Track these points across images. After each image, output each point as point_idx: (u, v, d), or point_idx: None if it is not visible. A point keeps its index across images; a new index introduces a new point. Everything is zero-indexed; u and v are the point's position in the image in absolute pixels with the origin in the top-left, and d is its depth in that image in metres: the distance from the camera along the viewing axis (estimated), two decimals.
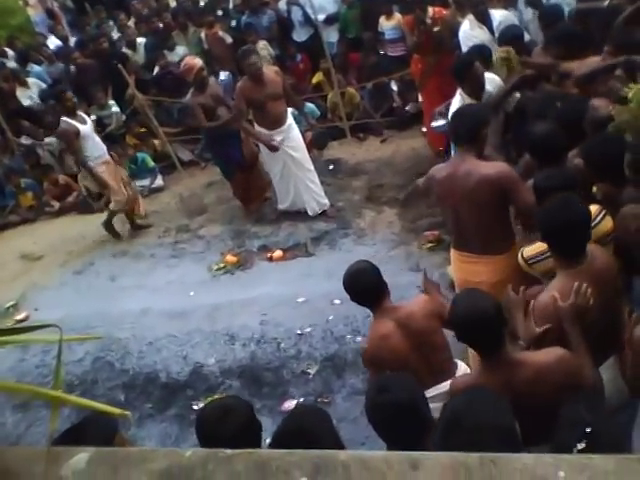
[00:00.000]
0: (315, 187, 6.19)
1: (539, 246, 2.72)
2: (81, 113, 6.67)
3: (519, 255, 2.85)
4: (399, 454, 0.94)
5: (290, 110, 6.09)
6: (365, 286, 2.77)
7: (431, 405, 2.58)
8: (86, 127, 6.42)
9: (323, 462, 0.97)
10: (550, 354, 2.20)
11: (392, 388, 2.09)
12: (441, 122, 5.46)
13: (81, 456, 1.15)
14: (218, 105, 6.09)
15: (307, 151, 6.22)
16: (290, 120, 5.99)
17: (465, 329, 2.23)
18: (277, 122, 5.87)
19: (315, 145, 6.49)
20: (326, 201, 6.25)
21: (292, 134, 5.98)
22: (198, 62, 6.03)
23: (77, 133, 6.32)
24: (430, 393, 2.64)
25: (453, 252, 3.45)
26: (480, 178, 3.03)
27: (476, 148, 3.15)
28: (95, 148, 6.46)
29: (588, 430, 1.66)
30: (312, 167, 6.20)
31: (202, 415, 2.18)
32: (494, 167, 3.08)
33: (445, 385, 2.62)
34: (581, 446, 1.64)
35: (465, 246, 3.31)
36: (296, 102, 6.02)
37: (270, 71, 5.86)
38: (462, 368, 2.89)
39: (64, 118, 6.42)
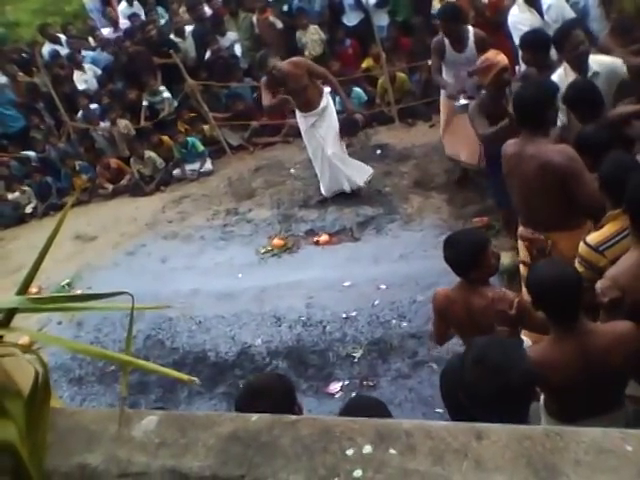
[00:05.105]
0: (346, 168, 6.18)
1: (607, 229, 2.65)
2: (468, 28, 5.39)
3: (582, 245, 2.72)
4: (464, 424, 0.96)
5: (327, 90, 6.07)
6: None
7: None
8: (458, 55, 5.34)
9: (387, 430, 0.99)
10: (622, 325, 2.19)
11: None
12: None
13: (151, 418, 1.21)
14: None
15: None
16: (325, 102, 5.97)
17: (548, 296, 2.20)
18: (309, 105, 5.93)
19: (343, 132, 6.29)
20: (358, 181, 6.24)
21: (324, 116, 5.99)
22: (502, 60, 4.29)
23: (443, 51, 5.41)
24: None
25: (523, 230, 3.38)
26: (543, 163, 2.98)
27: (543, 130, 3.09)
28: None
29: None
30: (341, 149, 6.18)
31: (240, 392, 2.26)
32: (559, 153, 2.99)
33: None
34: None
35: (537, 223, 3.24)
36: (332, 83, 5.99)
37: (289, 66, 5.75)
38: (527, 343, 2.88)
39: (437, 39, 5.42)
